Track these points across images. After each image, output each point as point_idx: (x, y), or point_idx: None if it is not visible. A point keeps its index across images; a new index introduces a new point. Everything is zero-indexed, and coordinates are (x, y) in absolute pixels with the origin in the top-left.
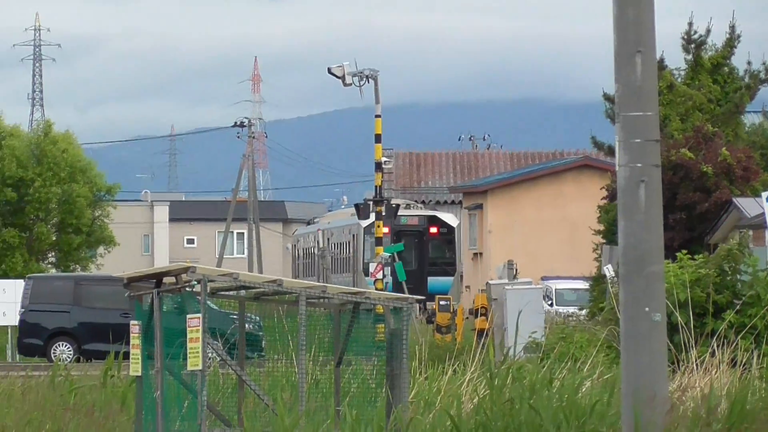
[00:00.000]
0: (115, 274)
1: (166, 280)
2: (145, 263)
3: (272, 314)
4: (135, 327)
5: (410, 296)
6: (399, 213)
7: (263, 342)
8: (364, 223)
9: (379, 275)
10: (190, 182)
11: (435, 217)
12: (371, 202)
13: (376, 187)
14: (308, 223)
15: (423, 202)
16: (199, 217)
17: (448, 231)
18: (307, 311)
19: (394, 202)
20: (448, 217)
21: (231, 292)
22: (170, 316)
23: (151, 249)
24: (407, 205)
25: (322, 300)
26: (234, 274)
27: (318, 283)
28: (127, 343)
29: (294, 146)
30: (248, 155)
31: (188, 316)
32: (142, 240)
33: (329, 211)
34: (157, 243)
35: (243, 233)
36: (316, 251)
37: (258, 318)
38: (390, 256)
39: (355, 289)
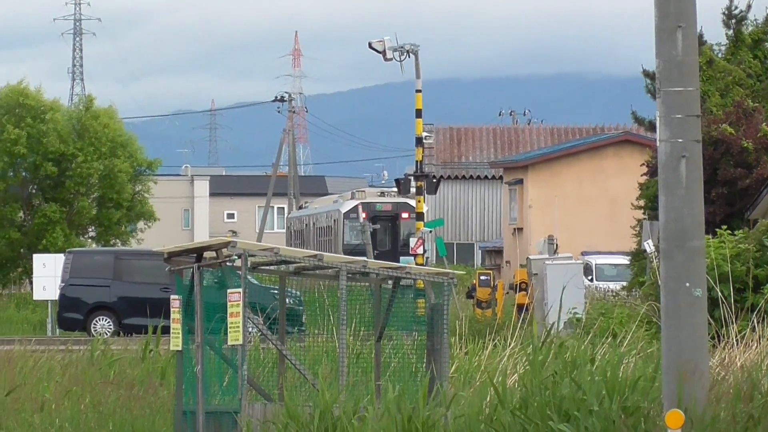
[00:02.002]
0: (155, 249)
1: (207, 254)
2: (185, 238)
3: (312, 289)
4: (175, 301)
5: (451, 271)
6: (373, 200)
7: (303, 317)
8: (344, 208)
9: (420, 250)
10: (231, 157)
11: (406, 203)
12: (411, 177)
13: (416, 161)
14: (300, 207)
15: (464, 177)
16: (239, 192)
17: (417, 216)
18: (347, 286)
19: (368, 192)
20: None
21: (271, 267)
22: (211, 291)
23: (191, 224)
24: (381, 192)
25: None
26: (274, 249)
27: (359, 258)
28: (167, 317)
29: (334, 121)
30: (288, 130)
31: (229, 290)
32: (182, 214)
33: (371, 187)
34: (197, 218)
35: (283, 208)
36: (306, 234)
37: (298, 293)
38: (430, 231)
39: (396, 264)
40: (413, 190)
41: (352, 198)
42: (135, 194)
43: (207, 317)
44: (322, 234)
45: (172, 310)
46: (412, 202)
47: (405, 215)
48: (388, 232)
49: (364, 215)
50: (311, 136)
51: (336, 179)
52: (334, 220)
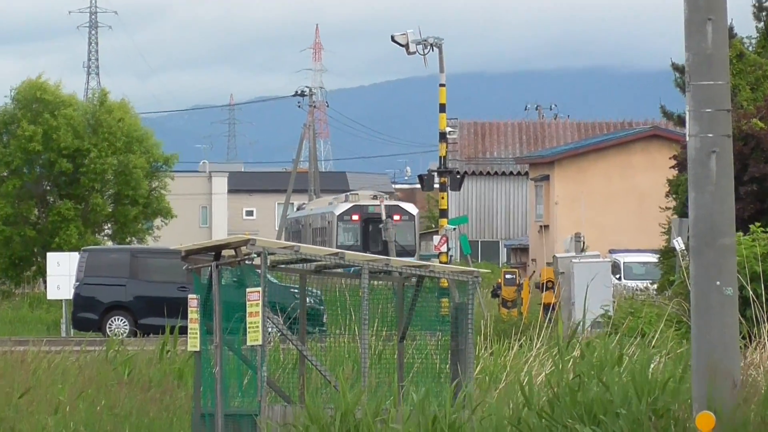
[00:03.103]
0: (173, 247)
1: (225, 252)
2: (203, 236)
3: (334, 288)
4: (193, 301)
5: (475, 269)
6: (366, 203)
7: (324, 316)
8: (338, 211)
9: (443, 248)
10: (250, 152)
11: (397, 206)
12: (435, 173)
13: (440, 157)
14: (298, 209)
15: (488, 173)
16: (258, 189)
17: (408, 218)
18: (369, 285)
19: (361, 195)
20: (409, 206)
21: (292, 266)
22: (229, 290)
23: (209, 221)
24: (374, 196)
25: (384, 273)
26: (295, 247)
27: (381, 256)
28: (185, 317)
29: (356, 116)
30: (309, 125)
31: (248, 289)
32: (200, 212)
33: (393, 183)
34: (216, 215)
35: (304, 204)
36: (303, 235)
37: (319, 292)
38: (453, 229)
39: (420, 262)
40: (437, 186)
41: (346, 201)
42: (151, 191)
43: (225, 317)
44: (317, 235)
45: (189, 309)
46: (405, 205)
47: (396, 217)
48: (379, 234)
49: (356, 217)
50: (333, 132)
51: (358, 175)
52: (329, 222)
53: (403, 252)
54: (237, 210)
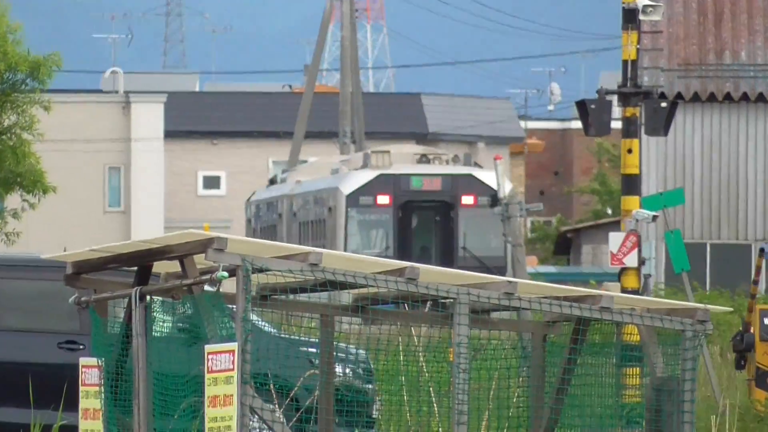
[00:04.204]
0: (46, 256)
1: (160, 268)
2: (111, 230)
3: (390, 343)
4: (90, 370)
5: (702, 306)
6: (408, 172)
7: (376, 403)
8: (348, 186)
9: (631, 258)
10: (211, 48)
11: (471, 177)
12: (615, 96)
13: (624, 63)
14: (271, 182)
15: (728, 97)
16: (230, 130)
17: (492, 200)
18: (469, 337)
19: (396, 154)
20: (493, 178)
21: (301, 296)
22: (169, 347)
23: (123, 198)
24: (423, 156)
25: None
26: (309, 255)
27: (497, 278)
28: (73, 406)
29: None
30: None
31: (207, 347)
32: (106, 178)
33: (522, 117)
34: (139, 185)
35: (286, 173)
36: (279, 230)
37: (364, 352)
38: (654, 217)
39: (581, 291)
40: (616, 126)
41: (366, 166)
42: (1, 134)
43: (161, 404)
44: (308, 232)
45: (81, 388)
46: (485, 175)
47: (468, 199)
48: (433, 232)
49: (387, 199)
50: (391, 12)
51: (446, 100)
52: (329, 209)
53: (481, 268)
54: (185, 175)
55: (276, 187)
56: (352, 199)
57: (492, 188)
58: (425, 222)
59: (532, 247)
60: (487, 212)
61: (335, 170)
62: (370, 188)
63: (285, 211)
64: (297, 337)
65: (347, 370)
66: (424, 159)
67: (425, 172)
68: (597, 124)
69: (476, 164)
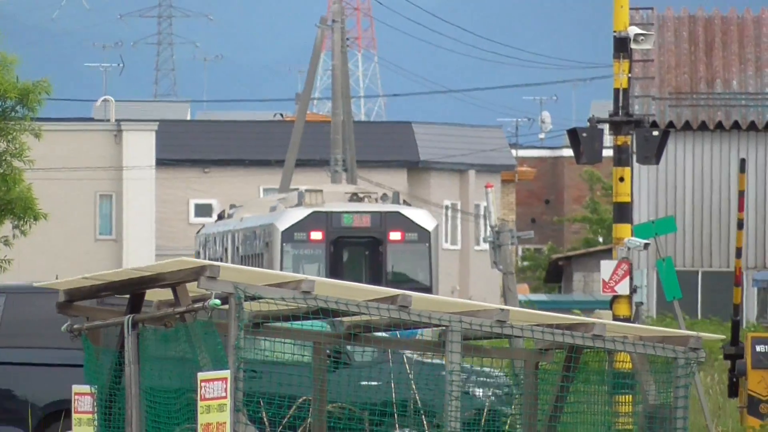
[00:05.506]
0: (39, 283)
1: (153, 295)
2: (104, 257)
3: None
4: (83, 398)
5: (695, 333)
6: (339, 209)
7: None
8: (284, 223)
9: (622, 286)
10: (205, 79)
11: (399, 214)
12: (606, 126)
13: (615, 91)
14: (219, 217)
15: (720, 126)
16: (222, 158)
17: (419, 237)
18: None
19: (328, 192)
20: (418, 215)
21: (295, 322)
22: (160, 370)
23: (115, 226)
24: (354, 195)
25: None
26: (301, 283)
27: (488, 305)
28: None
29: (431, 5)
30: (333, 19)
31: (200, 374)
32: (97, 206)
33: (513, 146)
34: (131, 212)
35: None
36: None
37: (506, 376)
38: (646, 245)
39: (576, 318)
40: (608, 153)
41: (300, 204)
42: None
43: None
44: (249, 266)
45: (74, 416)
46: (412, 212)
47: (395, 235)
48: (363, 266)
49: (319, 235)
50: (382, 40)
51: (437, 128)
52: (267, 243)
53: None
54: (176, 203)
55: (223, 222)
56: (287, 234)
57: (418, 224)
58: (355, 256)
59: (523, 275)
60: (414, 247)
61: (273, 207)
62: (304, 225)
63: (229, 245)
64: (290, 360)
65: (490, 394)
66: (355, 197)
67: (356, 209)
68: (588, 152)
69: (405, 202)
